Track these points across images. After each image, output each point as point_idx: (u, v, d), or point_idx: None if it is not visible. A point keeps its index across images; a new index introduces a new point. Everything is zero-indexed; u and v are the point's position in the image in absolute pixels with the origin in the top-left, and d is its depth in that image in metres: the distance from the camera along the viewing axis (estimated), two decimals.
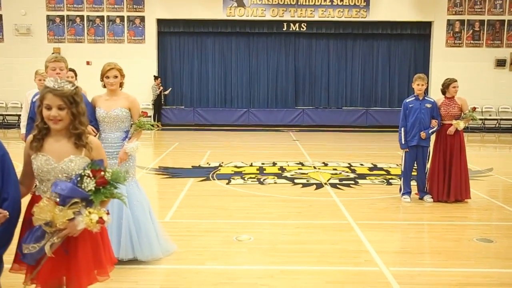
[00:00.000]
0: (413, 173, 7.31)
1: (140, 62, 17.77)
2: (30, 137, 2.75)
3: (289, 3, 18.18)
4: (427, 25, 18.61)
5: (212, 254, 4.94)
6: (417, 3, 18.12)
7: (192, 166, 9.94)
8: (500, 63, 18.32)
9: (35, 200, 2.69)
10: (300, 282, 4.30)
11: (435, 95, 8.36)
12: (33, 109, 4.87)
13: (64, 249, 2.64)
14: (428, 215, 6.57)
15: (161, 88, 17.95)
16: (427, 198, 7.16)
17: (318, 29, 18.69)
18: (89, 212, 2.53)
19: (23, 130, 6.79)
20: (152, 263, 4.59)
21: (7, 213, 2.50)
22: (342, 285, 4.26)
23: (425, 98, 7.16)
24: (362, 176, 9.02)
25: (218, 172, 9.29)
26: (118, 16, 18.24)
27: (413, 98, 7.16)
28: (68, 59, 5.01)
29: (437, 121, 7.05)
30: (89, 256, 2.72)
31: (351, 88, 19.32)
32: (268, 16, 18.27)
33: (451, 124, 7.01)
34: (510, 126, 18.23)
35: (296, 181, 8.57)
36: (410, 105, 7.13)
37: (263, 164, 10.17)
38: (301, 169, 9.70)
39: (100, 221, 2.54)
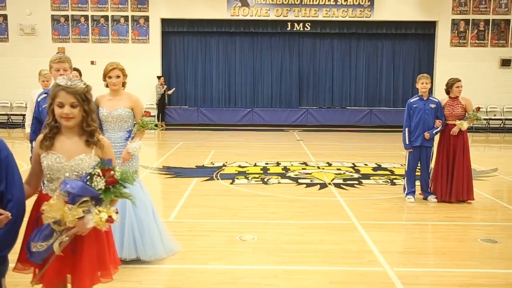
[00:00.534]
0: (416, 173, 7.29)
1: (144, 62, 17.82)
2: (41, 136, 2.76)
3: (293, 2, 18.17)
4: (432, 25, 18.56)
5: (216, 253, 4.95)
6: (422, 3, 18.07)
7: (196, 166, 9.95)
8: (505, 63, 18.26)
9: (42, 198, 2.70)
10: (304, 282, 4.29)
11: (440, 95, 8.35)
12: (37, 109, 4.88)
13: (72, 248, 2.65)
14: (432, 215, 6.55)
15: (165, 87, 17.97)
16: (431, 198, 7.14)
17: (322, 29, 18.68)
18: (99, 211, 2.54)
19: (27, 129, 6.81)
20: (156, 263, 4.59)
21: (9, 214, 2.51)
22: (346, 285, 4.26)
23: (430, 98, 7.14)
24: (366, 176, 9.01)
25: (222, 172, 9.29)
26: (122, 16, 18.28)
27: (417, 98, 7.14)
28: (73, 58, 5.03)
29: (441, 121, 7.03)
30: (94, 256, 2.73)
31: (355, 88, 19.29)
32: (272, 16, 18.26)
33: (455, 124, 6.99)
34: None
35: (300, 181, 8.56)
36: (414, 105, 7.11)
37: (267, 164, 10.17)
38: (305, 169, 9.69)
39: (110, 220, 2.56)
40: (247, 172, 9.31)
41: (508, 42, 18.32)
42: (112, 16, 18.28)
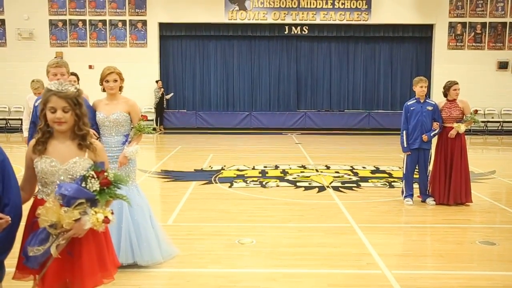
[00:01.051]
0: (415, 176, 7.30)
1: (142, 66, 17.84)
2: (33, 141, 2.77)
3: (290, 6, 18.22)
4: (429, 28, 18.61)
5: (215, 257, 4.94)
6: (419, 6, 18.13)
7: (194, 170, 9.95)
8: (502, 65, 18.31)
9: (37, 203, 2.70)
10: (302, 285, 4.29)
11: (437, 97, 8.36)
12: (35, 114, 4.88)
13: (68, 251, 2.65)
14: (430, 218, 6.56)
15: (162, 90, 17.97)
16: (430, 200, 7.15)
17: (320, 32, 18.72)
18: (95, 212, 2.56)
19: (25, 133, 6.82)
20: (155, 267, 4.59)
21: (9, 219, 2.51)
22: None
23: (427, 100, 7.15)
24: (365, 179, 9.02)
25: (220, 176, 9.30)
26: (120, 20, 18.30)
27: (414, 101, 7.16)
28: (71, 63, 5.03)
29: (438, 123, 7.04)
30: (94, 258, 2.73)
31: (353, 91, 19.33)
32: (269, 20, 18.30)
33: (453, 127, 7.00)
34: None
35: (298, 184, 8.57)
36: (411, 108, 7.13)
37: (265, 167, 10.18)
38: (303, 172, 9.70)
39: (106, 220, 2.57)
40: (245, 175, 9.31)
41: (505, 45, 18.37)
42: (110, 20, 18.30)
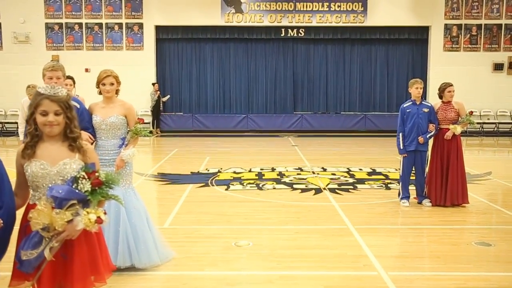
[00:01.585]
0: (411, 178, 7.32)
1: (138, 69, 17.83)
2: (21, 146, 2.76)
3: (287, 9, 18.25)
4: (425, 30, 18.68)
5: (212, 260, 4.94)
6: (415, 8, 18.19)
7: (191, 172, 9.95)
8: (498, 67, 18.38)
9: (29, 208, 2.69)
10: (299, 287, 4.30)
11: (433, 99, 8.39)
12: None
13: (62, 254, 2.64)
14: (427, 219, 6.57)
15: (159, 93, 17.97)
16: (426, 202, 7.16)
17: (316, 35, 18.76)
18: (87, 212, 2.55)
19: (21, 137, 6.81)
20: (151, 270, 4.58)
21: (1, 221, 2.51)
22: None
23: (422, 102, 7.17)
24: (361, 181, 9.03)
25: (217, 178, 9.29)
26: (116, 23, 18.29)
27: (410, 103, 7.18)
28: (67, 66, 5.03)
29: (434, 125, 7.06)
30: (86, 261, 2.72)
31: (349, 93, 19.36)
32: (266, 22, 18.33)
33: (449, 129, 7.02)
34: (508, 129, 18.27)
35: (295, 186, 8.57)
36: (407, 110, 7.14)
37: (262, 169, 10.18)
38: (300, 174, 9.71)
39: (99, 220, 2.56)
40: (242, 178, 9.31)
41: (500, 47, 18.45)
42: (106, 23, 18.30)
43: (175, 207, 7.09)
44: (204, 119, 18.71)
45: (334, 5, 18.22)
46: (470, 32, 18.40)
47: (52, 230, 2.56)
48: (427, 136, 7.06)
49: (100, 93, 4.71)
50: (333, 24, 18.38)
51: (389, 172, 9.86)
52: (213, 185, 8.68)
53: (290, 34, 18.61)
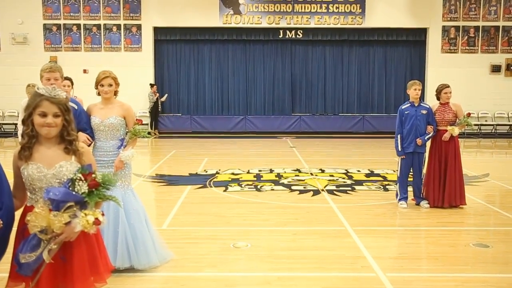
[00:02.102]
0: (409, 179, 7.33)
1: (137, 70, 17.82)
2: (18, 149, 2.75)
3: (285, 10, 18.27)
4: (423, 32, 18.71)
5: (210, 261, 4.94)
6: (413, 10, 18.23)
7: (189, 174, 9.94)
8: (495, 68, 18.42)
9: (27, 210, 2.69)
10: None
11: (431, 101, 8.41)
12: None
13: (61, 256, 2.64)
14: (424, 221, 6.58)
15: (157, 95, 17.97)
16: (424, 203, 7.17)
17: (314, 36, 18.78)
18: (85, 214, 2.55)
19: (20, 138, 6.81)
20: (150, 271, 4.58)
21: (1, 222, 2.51)
22: None
23: (421, 104, 7.19)
24: (359, 182, 9.04)
25: (215, 180, 9.29)
26: (114, 25, 18.28)
27: (408, 104, 7.19)
28: (65, 67, 5.03)
29: (432, 127, 7.07)
30: (85, 262, 2.72)
31: (347, 95, 19.38)
32: (264, 24, 18.34)
33: (446, 130, 7.03)
34: (506, 131, 18.32)
35: (293, 187, 8.58)
36: (405, 112, 7.15)
37: (260, 171, 10.19)
38: (298, 175, 9.71)
39: (97, 222, 2.56)
40: (240, 179, 9.31)
41: (498, 48, 18.49)
42: (105, 24, 18.29)
43: (173, 208, 7.09)
44: (202, 121, 18.71)
45: (332, 7, 18.25)
46: (468, 34, 18.45)
47: (50, 233, 2.55)
48: (425, 138, 7.07)
49: (99, 94, 4.71)
50: (331, 26, 18.40)
51: (387, 173, 9.87)
52: (211, 187, 8.68)
53: (288, 35, 18.63)
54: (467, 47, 18.50)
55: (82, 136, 4.31)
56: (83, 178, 2.60)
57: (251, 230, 6.05)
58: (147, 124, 17.50)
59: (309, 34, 18.70)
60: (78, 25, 18.22)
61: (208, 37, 18.74)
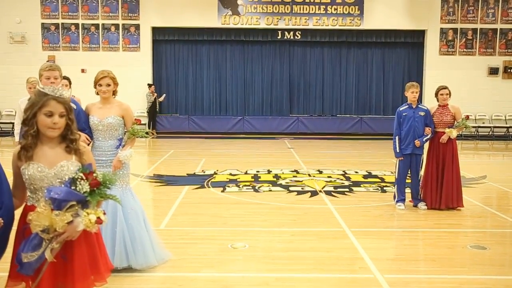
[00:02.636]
0: (407, 181, 7.33)
1: (135, 70, 17.80)
2: (17, 148, 2.73)
3: (283, 11, 18.27)
4: (421, 34, 18.74)
5: (208, 261, 4.94)
6: (411, 12, 18.26)
7: (187, 174, 9.94)
8: (493, 71, 18.46)
9: (27, 210, 2.68)
10: None
11: (429, 103, 8.43)
12: None
13: (62, 255, 2.63)
14: (422, 222, 6.59)
15: (155, 95, 17.95)
16: (421, 205, 7.18)
17: (313, 37, 18.79)
18: (87, 213, 2.56)
19: (17, 138, 6.78)
20: (148, 271, 4.58)
21: (1, 221, 2.50)
22: None
23: (419, 106, 7.20)
24: (357, 184, 9.05)
25: (213, 180, 9.29)
26: (113, 24, 18.26)
27: (407, 106, 7.21)
28: (63, 67, 5.02)
29: (430, 128, 7.08)
30: (85, 261, 2.72)
31: (345, 96, 19.40)
32: (262, 24, 18.35)
33: (444, 132, 7.05)
34: (503, 133, 18.35)
35: (291, 188, 8.58)
36: (404, 114, 7.17)
37: (258, 171, 10.18)
38: (296, 176, 9.71)
39: (98, 221, 2.57)
40: (238, 180, 9.31)
41: (495, 51, 18.53)
42: (103, 24, 18.26)
43: (171, 208, 7.08)
44: (200, 121, 18.70)
45: (331, 8, 18.26)
46: (466, 36, 18.49)
47: (52, 232, 2.55)
48: (423, 140, 7.08)
49: (97, 93, 4.71)
50: (330, 27, 18.41)
51: (385, 175, 9.88)
52: (209, 187, 8.67)
53: (287, 36, 18.63)
54: (465, 50, 18.54)
55: (81, 135, 4.30)
56: (84, 177, 2.60)
57: (249, 230, 6.05)
58: (145, 124, 17.49)
59: (307, 35, 18.71)
60: (77, 25, 18.19)
61: (207, 37, 18.74)
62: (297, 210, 7.14)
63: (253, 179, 9.37)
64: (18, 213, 2.75)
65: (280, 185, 8.84)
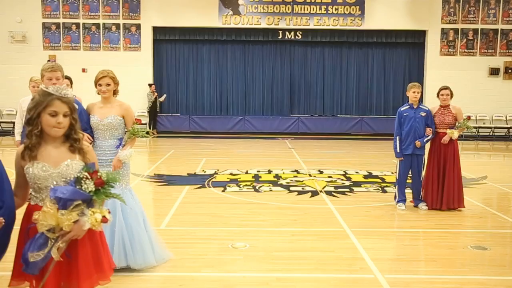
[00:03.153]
0: (408, 181, 7.33)
1: (135, 70, 17.81)
2: (21, 147, 2.73)
3: (284, 11, 18.28)
4: (422, 34, 18.74)
5: (208, 261, 4.94)
6: (412, 12, 18.26)
7: (187, 174, 9.94)
8: (494, 71, 18.46)
9: (31, 209, 2.68)
10: None
11: (430, 103, 8.42)
12: None
13: (67, 254, 2.64)
14: (423, 223, 6.58)
15: (156, 94, 17.96)
16: (422, 205, 7.18)
17: (313, 37, 18.79)
18: (93, 212, 2.57)
19: (17, 137, 6.78)
20: (148, 271, 4.58)
21: (3, 220, 2.50)
22: None
23: (420, 106, 7.20)
24: (357, 184, 9.05)
25: (213, 180, 9.29)
26: (114, 24, 18.27)
27: (408, 106, 7.20)
28: (64, 66, 5.02)
29: (431, 129, 7.08)
30: (90, 260, 2.73)
31: (346, 96, 19.41)
32: (263, 24, 18.35)
33: (445, 133, 7.04)
34: (503, 134, 18.35)
35: (291, 188, 8.58)
36: (404, 114, 7.16)
37: (258, 171, 10.18)
38: (296, 176, 9.71)
39: (104, 219, 2.59)
40: (238, 179, 9.31)
41: (496, 51, 18.53)
42: (104, 24, 18.27)
43: (171, 208, 7.08)
44: (200, 121, 18.70)
45: (332, 8, 18.27)
46: (467, 37, 18.48)
47: (58, 231, 2.56)
48: (424, 140, 7.08)
49: (98, 93, 4.71)
50: (331, 27, 18.42)
51: (385, 175, 9.88)
52: (209, 187, 8.67)
53: (288, 36, 18.64)
54: (465, 50, 18.54)
55: (84, 135, 4.31)
56: (89, 177, 2.61)
57: (249, 230, 6.05)
58: (145, 124, 17.49)
59: (308, 35, 18.71)
60: (77, 24, 18.20)
61: (207, 37, 18.74)
62: (297, 210, 7.13)
63: (253, 179, 9.37)
64: (20, 212, 2.75)
65: (281, 185, 8.84)
